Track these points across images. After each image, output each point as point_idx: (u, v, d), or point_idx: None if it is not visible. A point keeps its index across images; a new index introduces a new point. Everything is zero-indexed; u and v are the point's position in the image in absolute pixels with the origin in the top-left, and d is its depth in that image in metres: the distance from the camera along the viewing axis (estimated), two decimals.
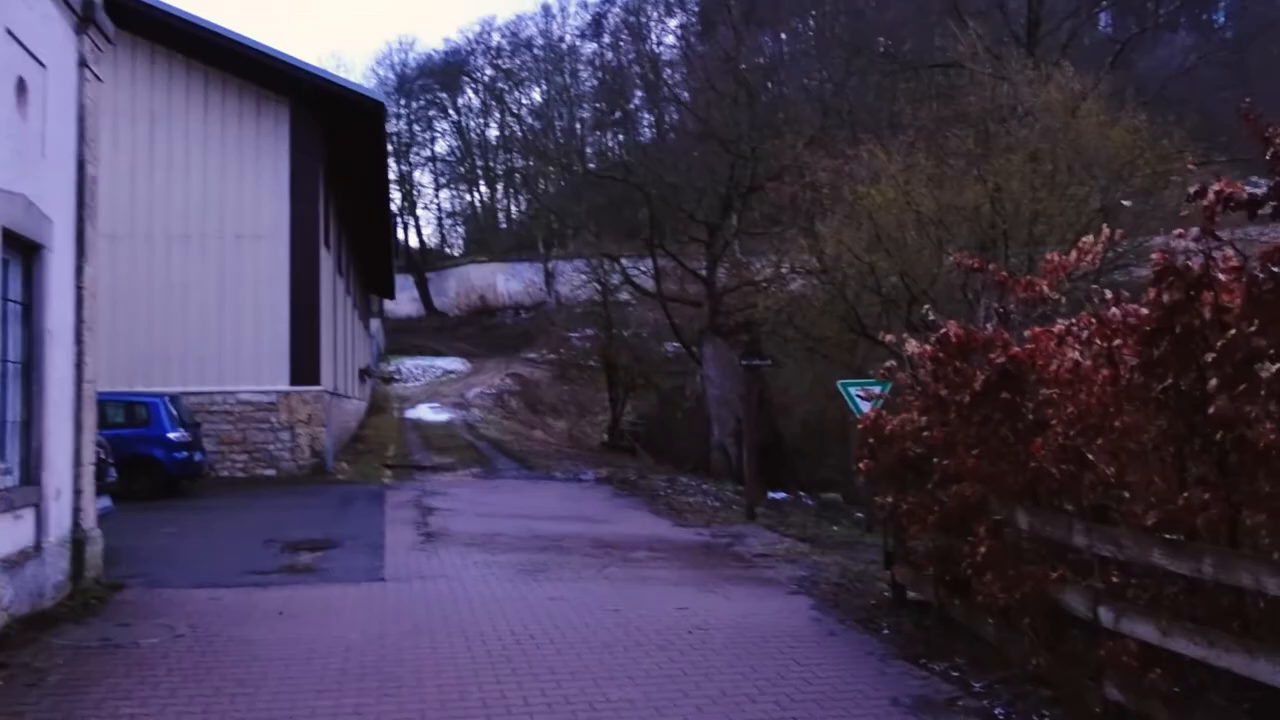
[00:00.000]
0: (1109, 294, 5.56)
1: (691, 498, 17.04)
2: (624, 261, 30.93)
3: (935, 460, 7.64)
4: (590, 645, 7.34)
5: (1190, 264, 4.91)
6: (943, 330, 7.22)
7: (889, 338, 9.17)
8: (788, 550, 12.33)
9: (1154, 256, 5.23)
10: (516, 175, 68.27)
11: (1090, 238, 6.73)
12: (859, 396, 15.45)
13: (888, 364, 9.03)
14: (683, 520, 14.78)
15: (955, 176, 14.60)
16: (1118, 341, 5.30)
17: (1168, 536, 5.27)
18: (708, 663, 6.93)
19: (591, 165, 28.27)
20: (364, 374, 36.27)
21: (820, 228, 17.06)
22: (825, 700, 6.17)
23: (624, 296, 34.21)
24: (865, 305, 17.77)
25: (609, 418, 36.88)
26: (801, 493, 19.94)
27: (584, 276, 34.61)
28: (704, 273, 24.80)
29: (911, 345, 8.66)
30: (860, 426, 8.74)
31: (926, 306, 9.83)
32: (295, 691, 6.12)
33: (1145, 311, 5.25)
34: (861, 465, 8.68)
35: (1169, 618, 5.28)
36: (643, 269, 29.93)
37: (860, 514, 19.45)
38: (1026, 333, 6.40)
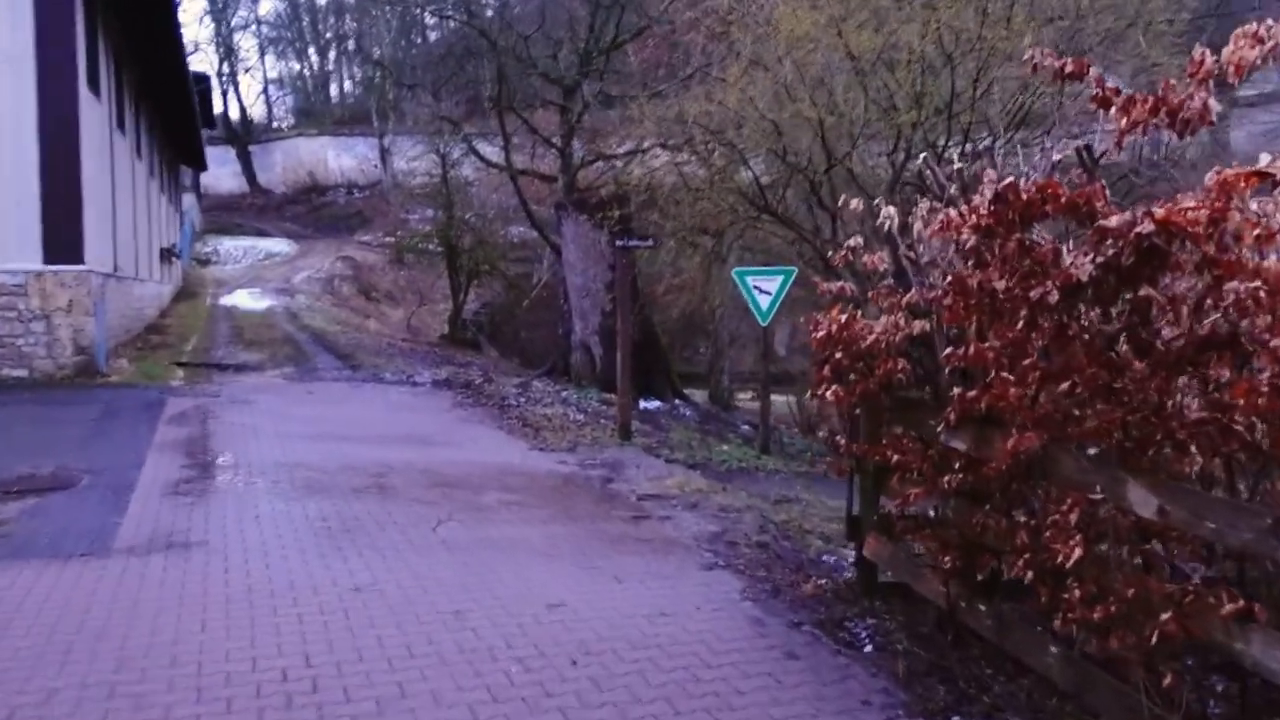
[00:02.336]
0: None
1: (550, 408, 14.04)
2: (468, 132, 27.16)
3: (958, 391, 4.86)
4: (413, 710, 4.37)
5: None
6: (1005, 180, 4.36)
7: (855, 204, 6.31)
8: (680, 486, 9.53)
9: None
10: (349, 42, 62.50)
11: (1270, 21, 3.92)
12: (758, 289, 12.77)
13: (849, 243, 6.17)
14: (541, 441, 11.82)
15: (895, 5, 11.66)
16: None
17: None
18: None
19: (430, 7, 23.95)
20: (167, 254, 31.81)
21: (705, 86, 13.88)
22: None
23: (466, 172, 30.48)
24: (746, 180, 14.81)
25: (451, 306, 33.41)
26: (678, 400, 17.26)
27: (421, 147, 30.69)
28: (558, 141, 21.43)
29: (887, 213, 5.86)
30: (820, 335, 5.88)
31: (949, 142, 6.92)
32: None
33: None
34: (828, 394, 5.82)
35: None
36: (488, 137, 26.29)
37: (746, 425, 16.92)
38: (1209, 178, 3.60)
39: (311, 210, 61.27)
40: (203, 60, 61.25)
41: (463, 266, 31.00)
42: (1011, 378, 4.52)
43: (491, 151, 25.10)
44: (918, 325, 5.60)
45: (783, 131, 12.28)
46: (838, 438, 6.15)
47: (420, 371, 18.59)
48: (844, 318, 5.77)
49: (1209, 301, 3.77)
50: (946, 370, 5.49)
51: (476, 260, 30.54)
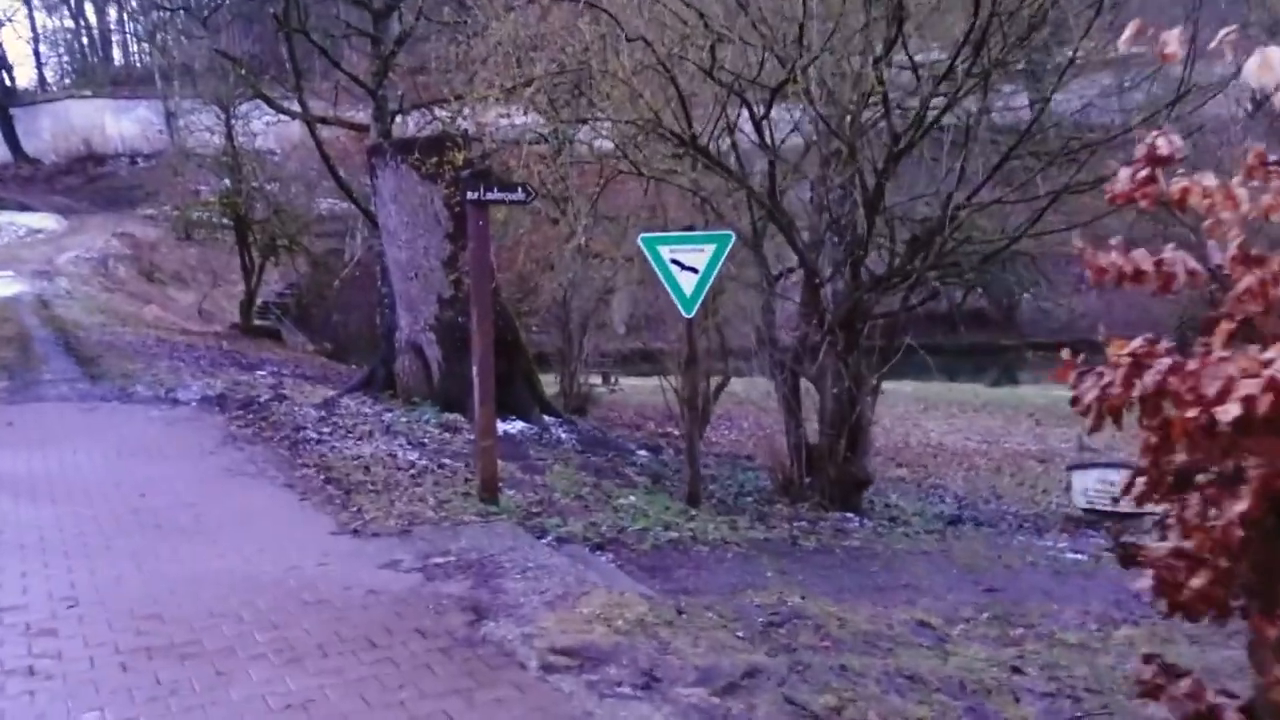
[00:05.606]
0: None
1: (368, 445, 9.56)
2: (256, 79, 22.00)
3: None
4: None
5: None
6: None
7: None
8: (608, 617, 5.36)
9: None
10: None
11: None
12: (674, 261, 8.70)
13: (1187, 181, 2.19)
14: (356, 514, 7.39)
15: None
16: None
17: None
18: None
19: None
20: None
21: None
22: None
23: (257, 127, 25.26)
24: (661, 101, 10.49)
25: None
26: (547, 416, 12.99)
27: (201, 101, 25.31)
28: (369, 81, 16.75)
29: None
30: (1155, 403, 1.87)
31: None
32: None
33: None
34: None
35: None
36: (288, 99, 21.29)
37: (642, 449, 12.82)
38: None
39: (88, 182, 54.60)
40: None
41: (255, 241, 25.80)
42: None
43: (283, 99, 20.13)
44: None
45: (713, 28, 8.19)
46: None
47: (188, 382, 13.72)
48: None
49: None
50: None
51: (272, 234, 25.39)
